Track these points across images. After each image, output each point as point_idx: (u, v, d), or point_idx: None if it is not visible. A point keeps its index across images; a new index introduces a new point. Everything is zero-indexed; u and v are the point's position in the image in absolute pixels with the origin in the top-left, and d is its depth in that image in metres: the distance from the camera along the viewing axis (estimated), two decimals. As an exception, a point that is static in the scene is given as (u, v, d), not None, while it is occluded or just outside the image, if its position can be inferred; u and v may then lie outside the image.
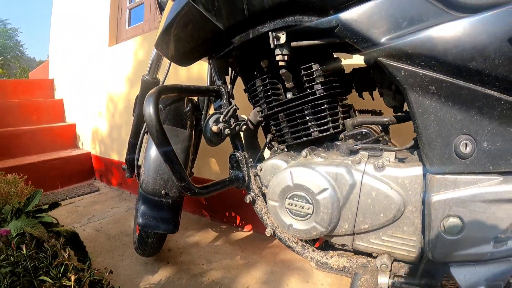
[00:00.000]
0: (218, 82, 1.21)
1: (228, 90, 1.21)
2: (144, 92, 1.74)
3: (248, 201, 1.15)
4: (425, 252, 0.79)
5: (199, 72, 2.32)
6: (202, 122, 1.66)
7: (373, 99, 1.06)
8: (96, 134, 3.81)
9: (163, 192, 1.41)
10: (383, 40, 0.73)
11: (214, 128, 1.06)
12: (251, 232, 2.27)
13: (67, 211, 2.88)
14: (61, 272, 1.10)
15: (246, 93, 1.27)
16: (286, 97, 1.08)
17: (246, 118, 1.21)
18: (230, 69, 1.30)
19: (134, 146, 1.85)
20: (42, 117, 4.27)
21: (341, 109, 1.01)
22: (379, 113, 1.12)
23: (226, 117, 1.11)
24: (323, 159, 0.92)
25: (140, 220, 1.40)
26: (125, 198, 3.21)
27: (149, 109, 0.88)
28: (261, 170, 1.09)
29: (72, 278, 1.02)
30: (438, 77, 0.69)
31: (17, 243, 1.22)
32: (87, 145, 4.06)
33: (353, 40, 0.78)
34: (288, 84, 1.03)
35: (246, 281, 1.68)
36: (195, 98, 1.72)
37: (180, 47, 1.17)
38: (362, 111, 1.15)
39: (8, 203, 1.97)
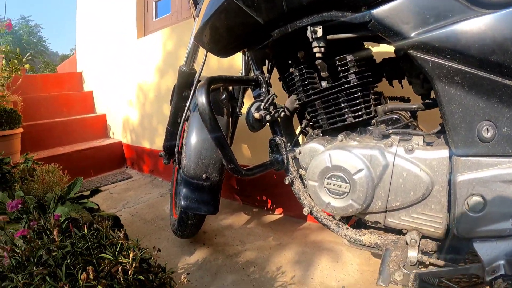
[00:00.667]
0: (257, 72, 1.31)
1: (266, 79, 1.31)
2: (181, 82, 1.83)
3: (287, 182, 1.26)
4: (450, 228, 0.88)
5: (229, 61, 2.41)
6: (237, 110, 1.76)
7: (402, 87, 1.14)
8: (127, 123, 3.96)
9: (204, 175, 1.52)
10: (412, 34, 0.81)
11: (256, 115, 1.17)
12: (281, 215, 2.38)
13: (102, 197, 3.03)
14: (117, 250, 1.20)
15: (281, 82, 1.37)
16: (321, 86, 1.17)
17: (283, 105, 1.30)
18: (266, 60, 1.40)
19: (172, 133, 1.96)
20: (73, 109, 4.47)
21: (373, 96, 1.10)
22: (407, 100, 1.20)
23: (267, 105, 1.21)
24: (358, 142, 1.02)
25: (182, 203, 1.51)
26: (157, 184, 3.35)
27: (202, 99, 1.02)
28: (299, 153, 1.19)
29: (131, 255, 1.12)
30: (462, 68, 0.77)
31: (66, 227, 1.33)
32: (118, 134, 4.21)
33: (385, 34, 0.86)
34: (323, 74, 1.11)
35: (279, 261, 1.79)
36: (230, 87, 1.81)
37: (219, 40, 1.25)
38: (391, 98, 1.24)
39: (50, 191, 2.11)
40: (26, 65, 4.79)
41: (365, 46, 1.15)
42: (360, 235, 1.10)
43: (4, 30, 3.86)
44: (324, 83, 1.15)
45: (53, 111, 4.23)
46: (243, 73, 1.68)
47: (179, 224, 1.81)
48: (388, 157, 0.94)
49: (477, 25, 0.74)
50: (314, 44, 1.00)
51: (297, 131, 1.42)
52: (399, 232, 1.05)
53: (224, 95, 1.70)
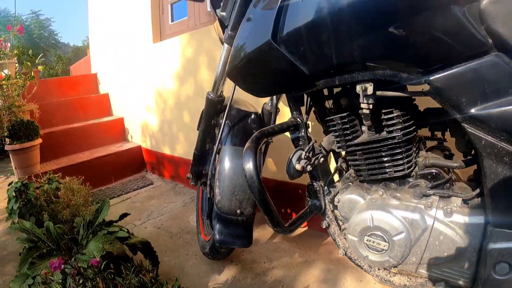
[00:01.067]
0: (295, 114, 1.31)
1: (305, 121, 1.31)
2: (209, 110, 1.83)
3: (324, 226, 1.33)
4: (476, 285, 0.95)
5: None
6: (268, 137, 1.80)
7: (445, 140, 1.17)
8: (146, 128, 4.02)
9: (238, 211, 1.58)
10: (470, 110, 0.82)
11: (298, 167, 1.19)
12: (306, 228, 2.45)
13: (125, 207, 3.14)
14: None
15: (315, 115, 1.36)
16: (362, 132, 1.15)
17: (320, 148, 1.31)
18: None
19: (199, 158, 2.01)
20: (90, 113, 4.56)
21: (414, 149, 1.11)
22: (444, 140, 1.20)
23: (307, 154, 1.23)
24: (398, 202, 1.07)
25: (217, 237, 1.58)
26: (179, 192, 3.45)
27: (249, 166, 1.05)
28: (338, 202, 1.24)
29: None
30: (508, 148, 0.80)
31: (104, 267, 1.37)
32: (137, 138, 4.28)
33: (440, 103, 0.87)
34: (366, 122, 1.09)
35: (306, 280, 1.86)
36: (259, 111, 1.82)
37: (256, 81, 1.24)
38: (427, 138, 1.23)
39: (77, 213, 2.17)
40: (40, 67, 4.84)
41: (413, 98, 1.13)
42: (390, 276, 1.17)
43: (16, 34, 3.92)
44: (365, 129, 1.13)
45: (70, 116, 4.32)
46: (273, 104, 1.72)
47: (211, 250, 1.89)
48: (428, 220, 1.00)
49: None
50: (363, 100, 0.99)
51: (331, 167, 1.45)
52: (429, 277, 1.12)
53: (255, 122, 1.74)
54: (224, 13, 1.46)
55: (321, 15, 0.90)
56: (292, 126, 1.29)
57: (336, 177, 1.44)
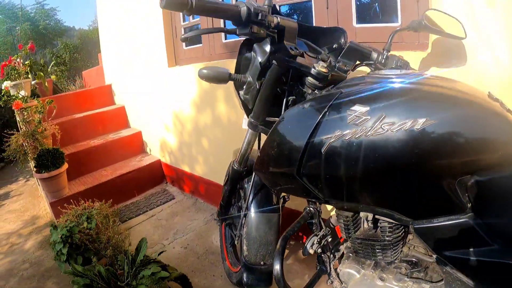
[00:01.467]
0: (310, 203, 1.66)
1: (318, 209, 1.66)
2: (234, 176, 2.15)
3: (328, 284, 1.72)
4: None
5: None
6: (287, 197, 2.18)
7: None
8: (165, 145, 4.30)
9: (262, 262, 2.00)
10: (440, 252, 1.10)
11: (311, 251, 1.58)
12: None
13: (152, 225, 3.51)
14: None
15: None
16: (362, 222, 1.47)
17: (329, 229, 1.66)
18: None
19: (225, 208, 2.42)
20: (108, 126, 4.83)
21: (402, 243, 1.45)
22: None
23: (319, 239, 1.59)
24: (382, 283, 1.44)
25: (245, 280, 2.01)
26: (200, 208, 3.76)
27: (277, 269, 1.44)
28: (340, 271, 1.59)
29: None
30: (465, 281, 1.11)
31: None
32: (155, 151, 4.57)
33: (420, 241, 1.16)
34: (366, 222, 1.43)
35: (315, 303, 2.28)
36: None
37: (279, 188, 1.51)
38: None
39: (118, 249, 2.55)
40: (53, 76, 5.07)
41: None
42: None
43: (27, 51, 4.15)
44: (367, 218, 1.41)
45: (89, 132, 4.61)
46: None
47: (238, 283, 2.34)
48: (401, 302, 1.40)
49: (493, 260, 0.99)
50: (363, 223, 1.35)
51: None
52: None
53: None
54: (247, 96, 1.59)
55: (338, 169, 1.14)
56: (308, 217, 1.67)
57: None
